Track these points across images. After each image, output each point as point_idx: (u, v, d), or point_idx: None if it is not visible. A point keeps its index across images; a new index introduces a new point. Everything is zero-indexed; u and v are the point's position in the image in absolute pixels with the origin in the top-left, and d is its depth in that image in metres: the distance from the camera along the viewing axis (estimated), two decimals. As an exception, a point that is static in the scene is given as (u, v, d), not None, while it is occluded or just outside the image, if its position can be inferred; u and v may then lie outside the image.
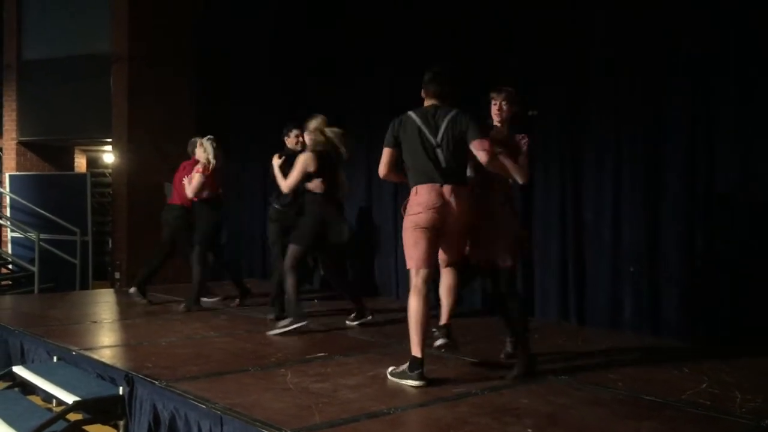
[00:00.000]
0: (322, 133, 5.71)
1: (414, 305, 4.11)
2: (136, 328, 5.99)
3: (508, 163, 4.27)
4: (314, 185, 5.69)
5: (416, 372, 4.03)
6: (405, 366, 4.12)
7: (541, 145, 6.49)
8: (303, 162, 5.67)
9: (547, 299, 6.43)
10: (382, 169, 4.33)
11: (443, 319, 4.28)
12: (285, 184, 5.84)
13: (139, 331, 5.81)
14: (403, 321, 4.26)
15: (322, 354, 4.83)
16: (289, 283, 5.62)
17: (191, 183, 6.73)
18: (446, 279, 4.35)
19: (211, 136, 6.89)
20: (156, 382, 4.02)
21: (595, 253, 6.11)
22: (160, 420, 3.89)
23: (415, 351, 4.08)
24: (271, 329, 5.64)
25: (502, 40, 6.71)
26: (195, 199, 6.82)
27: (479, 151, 4.12)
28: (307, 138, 5.80)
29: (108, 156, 12.28)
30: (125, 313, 6.86)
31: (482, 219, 4.29)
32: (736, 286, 5.28)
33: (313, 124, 5.74)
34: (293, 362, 4.59)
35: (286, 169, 5.90)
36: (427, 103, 4.32)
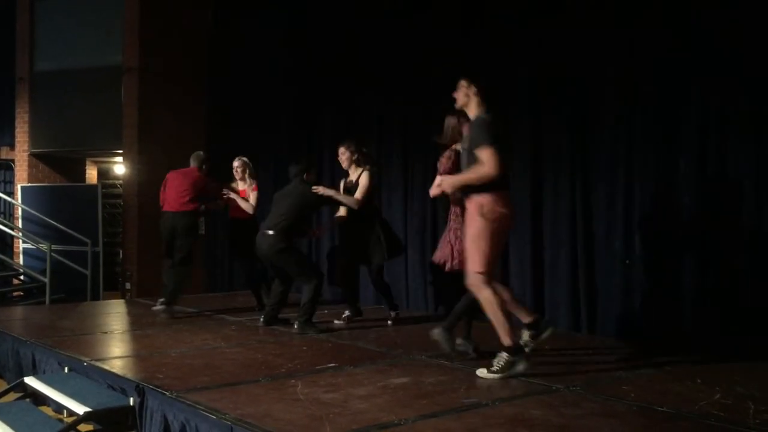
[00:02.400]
0: None
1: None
2: (146, 339, 6.00)
3: None
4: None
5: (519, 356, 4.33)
6: (502, 359, 4.32)
7: (552, 157, 6.49)
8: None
9: (557, 310, 6.40)
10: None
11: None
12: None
13: (150, 342, 5.82)
14: (412, 331, 4.24)
15: (332, 364, 4.82)
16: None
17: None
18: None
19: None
20: (167, 393, 4.03)
21: (605, 264, 6.09)
22: (171, 430, 3.89)
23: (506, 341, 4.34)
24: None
25: (512, 52, 6.72)
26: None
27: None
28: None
29: (119, 167, 12.33)
30: (136, 323, 6.87)
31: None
32: (748, 298, 5.25)
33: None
34: (304, 373, 4.59)
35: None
36: (479, 106, 4.43)
